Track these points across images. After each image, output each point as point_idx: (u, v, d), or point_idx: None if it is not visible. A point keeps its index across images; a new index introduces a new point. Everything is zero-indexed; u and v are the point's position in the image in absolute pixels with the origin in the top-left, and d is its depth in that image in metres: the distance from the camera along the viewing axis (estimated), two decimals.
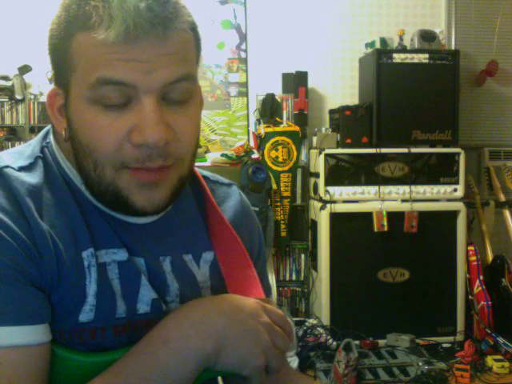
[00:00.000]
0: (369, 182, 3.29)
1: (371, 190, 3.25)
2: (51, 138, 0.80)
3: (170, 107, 0.71)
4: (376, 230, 3.17)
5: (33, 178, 0.73)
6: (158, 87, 0.69)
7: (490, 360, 2.96)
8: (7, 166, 0.73)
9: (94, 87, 0.68)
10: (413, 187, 3.27)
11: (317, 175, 3.32)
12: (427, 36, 3.41)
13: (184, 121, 0.72)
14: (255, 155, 3.46)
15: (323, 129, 3.47)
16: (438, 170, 3.37)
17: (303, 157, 3.58)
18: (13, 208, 0.69)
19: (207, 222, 0.87)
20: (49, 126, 0.83)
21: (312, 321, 3.36)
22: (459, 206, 3.29)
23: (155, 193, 0.73)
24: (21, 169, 0.74)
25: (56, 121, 0.76)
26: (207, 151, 3.52)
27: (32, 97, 3.50)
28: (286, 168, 3.51)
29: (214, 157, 3.37)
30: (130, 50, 0.66)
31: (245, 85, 3.74)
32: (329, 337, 3.10)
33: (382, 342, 3.12)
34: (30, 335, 0.66)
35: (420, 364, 2.82)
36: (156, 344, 0.69)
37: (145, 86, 0.68)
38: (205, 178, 0.91)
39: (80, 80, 0.69)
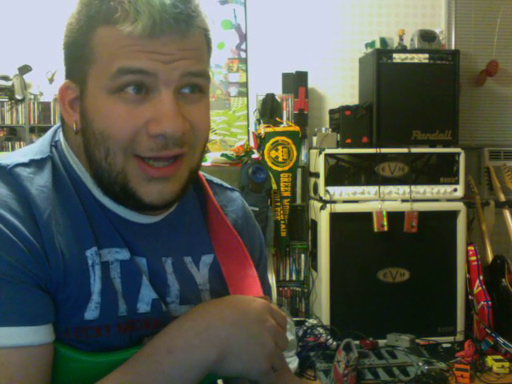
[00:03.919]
0: (369, 182, 3.28)
1: (371, 190, 3.25)
2: (60, 135, 0.81)
3: (184, 100, 0.73)
4: (376, 230, 3.17)
5: (42, 178, 0.73)
6: (176, 78, 0.70)
7: (490, 360, 2.96)
8: (17, 165, 0.73)
9: (114, 77, 0.69)
10: (413, 187, 3.27)
11: (317, 175, 3.32)
12: (427, 36, 3.41)
13: (197, 112, 0.74)
14: (255, 155, 3.46)
15: (323, 129, 3.47)
16: (438, 170, 3.36)
17: (303, 157, 3.58)
18: (23, 210, 0.69)
19: (208, 223, 0.87)
20: (57, 125, 0.84)
21: (312, 321, 3.36)
22: (459, 206, 3.29)
23: (166, 187, 0.74)
24: (32, 161, 0.74)
25: (67, 114, 0.76)
26: (207, 151, 3.52)
27: (32, 97, 3.49)
28: (286, 168, 3.51)
29: (214, 157, 3.37)
30: (153, 44, 0.69)
31: (245, 85, 3.73)
32: (329, 337, 3.10)
33: (382, 342, 3.12)
34: (33, 336, 0.66)
35: (420, 364, 2.82)
36: (160, 352, 0.69)
37: (165, 75, 0.70)
38: (208, 181, 0.93)
39: (100, 71, 0.70)
